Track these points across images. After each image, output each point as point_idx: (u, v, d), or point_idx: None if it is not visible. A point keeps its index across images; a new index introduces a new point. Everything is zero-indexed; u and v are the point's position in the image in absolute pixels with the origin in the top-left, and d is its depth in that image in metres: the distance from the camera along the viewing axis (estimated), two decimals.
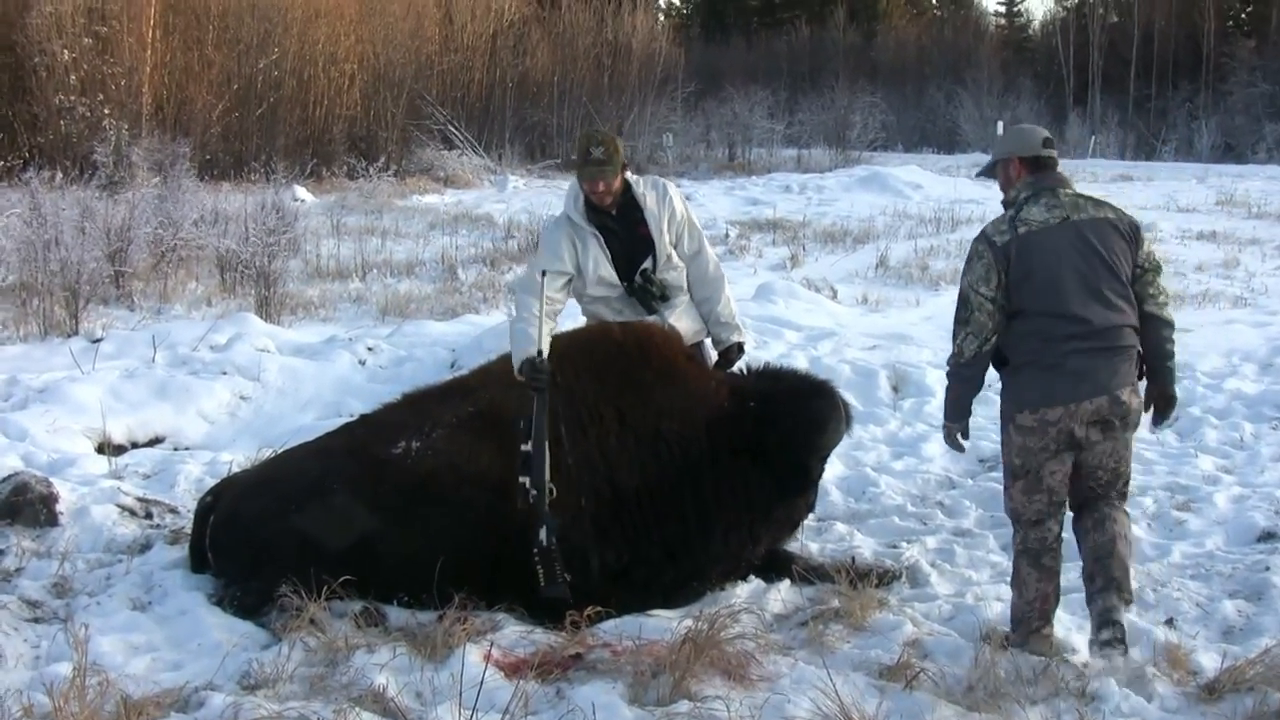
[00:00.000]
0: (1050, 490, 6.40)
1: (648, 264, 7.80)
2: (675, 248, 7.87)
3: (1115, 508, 6.55)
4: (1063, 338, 6.27)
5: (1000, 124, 47.66)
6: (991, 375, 6.70)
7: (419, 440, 7.03)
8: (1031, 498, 6.42)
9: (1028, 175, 6.58)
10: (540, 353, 6.96)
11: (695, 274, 7.98)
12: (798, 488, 7.23)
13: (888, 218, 26.53)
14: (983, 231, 6.53)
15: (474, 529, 6.72)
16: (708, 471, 7.02)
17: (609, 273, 7.75)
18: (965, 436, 6.95)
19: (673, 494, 6.97)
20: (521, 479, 6.51)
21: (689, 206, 8.07)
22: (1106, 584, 6.36)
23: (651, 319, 7.73)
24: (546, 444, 6.59)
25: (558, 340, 7.33)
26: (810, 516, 7.79)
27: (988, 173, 6.86)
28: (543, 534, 6.50)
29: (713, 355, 8.12)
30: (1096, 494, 6.52)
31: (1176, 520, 8.61)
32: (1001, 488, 6.82)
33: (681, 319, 7.91)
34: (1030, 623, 6.40)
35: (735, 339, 8.07)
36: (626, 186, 7.79)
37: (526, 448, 6.54)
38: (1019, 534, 6.50)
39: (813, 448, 7.14)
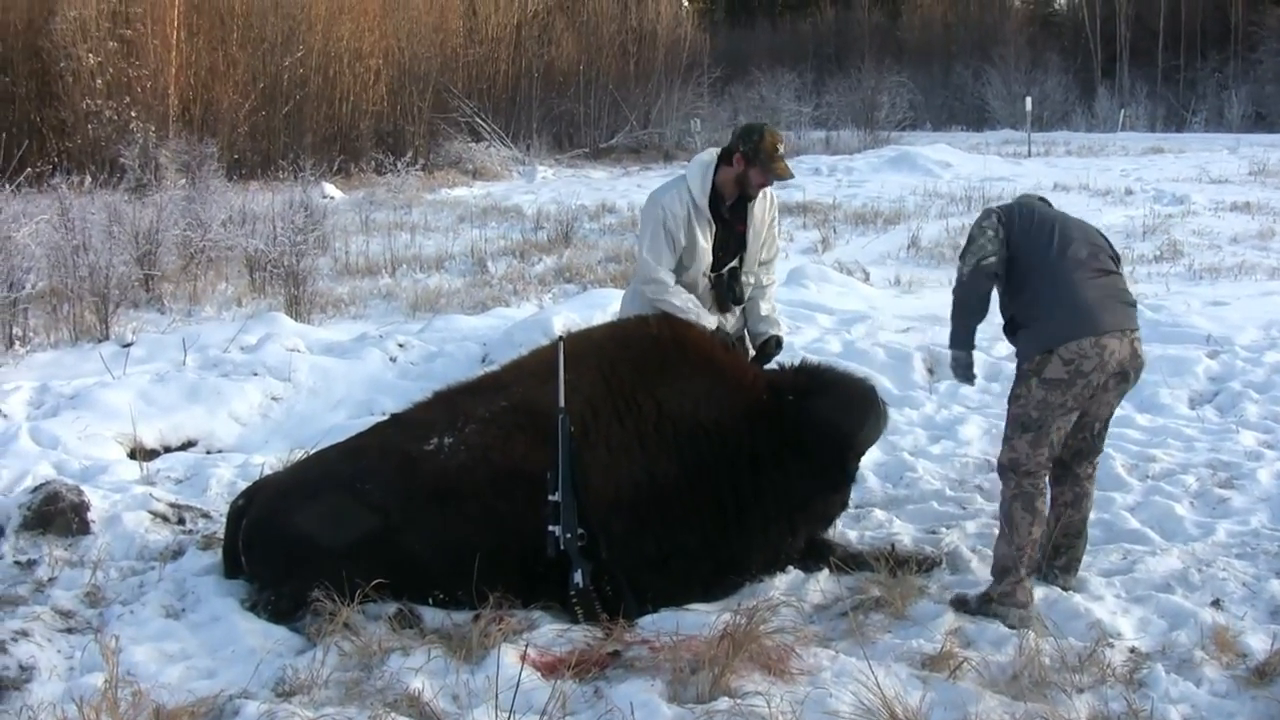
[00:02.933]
0: (1052, 445, 6.69)
1: (736, 262, 7.97)
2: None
3: (1092, 481, 7.11)
4: (1072, 271, 6.66)
5: (1029, 100, 47.38)
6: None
7: (451, 436, 6.97)
8: (1037, 450, 6.64)
9: None
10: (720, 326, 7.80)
11: (759, 279, 8.19)
12: (834, 483, 7.22)
13: (918, 198, 26.41)
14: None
15: (509, 522, 6.67)
16: (746, 463, 7.02)
17: (707, 261, 7.88)
18: (971, 368, 7.22)
19: (711, 484, 6.96)
20: (551, 527, 6.46)
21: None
22: (1069, 565, 7.06)
23: (713, 319, 7.89)
24: (573, 491, 6.54)
25: (595, 332, 7.39)
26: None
27: None
28: (577, 576, 6.46)
29: (749, 349, 8.21)
30: (1080, 450, 6.97)
31: (1219, 498, 8.49)
32: None
33: (739, 321, 8.25)
34: (1016, 570, 6.57)
35: (773, 332, 8.17)
36: None
37: (555, 498, 6.49)
38: (1012, 482, 6.70)
39: (849, 444, 7.11)
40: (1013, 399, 6.75)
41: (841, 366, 8.19)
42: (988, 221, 6.80)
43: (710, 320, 7.82)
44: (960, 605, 6.65)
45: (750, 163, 7.71)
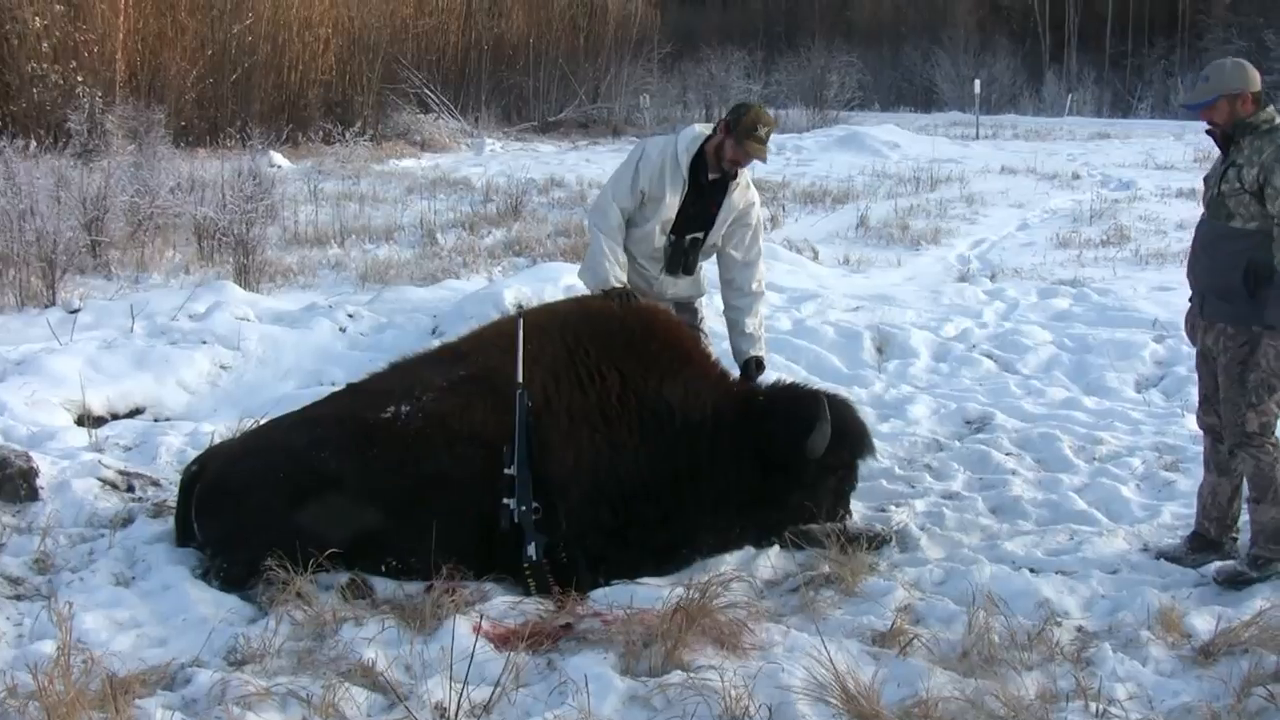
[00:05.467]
0: None
1: (700, 235, 8.19)
2: (725, 244, 8.31)
3: None
4: None
5: (977, 82, 47.53)
6: None
7: (409, 404, 6.96)
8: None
9: (1253, 107, 6.77)
10: (620, 281, 7.94)
11: (739, 283, 8.36)
12: (785, 488, 7.25)
13: (866, 177, 26.52)
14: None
15: (466, 491, 6.66)
16: (706, 445, 7.10)
17: (671, 219, 8.13)
18: None
19: (670, 459, 7.02)
20: (506, 500, 6.47)
21: (763, 223, 8.54)
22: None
23: (664, 279, 8.31)
24: (529, 466, 6.55)
25: (559, 305, 7.48)
26: None
27: (1199, 105, 6.91)
28: (531, 549, 6.48)
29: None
30: None
31: (1165, 481, 8.64)
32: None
33: (689, 287, 8.58)
34: None
35: (755, 352, 8.38)
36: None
37: (510, 471, 6.50)
38: (1261, 448, 6.80)
39: (796, 451, 7.08)
40: (1251, 364, 6.75)
41: (823, 388, 8.25)
42: None
43: (615, 275, 8.00)
44: (1234, 579, 6.74)
45: (729, 133, 7.90)
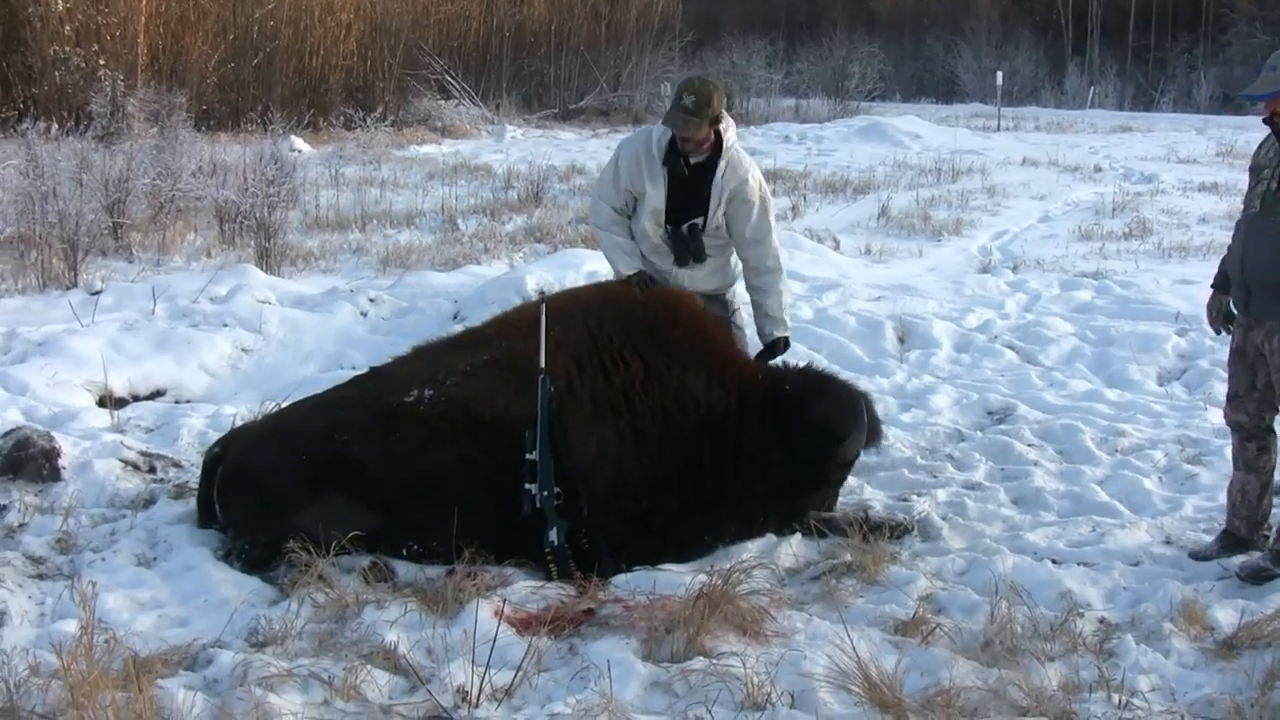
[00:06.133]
0: None
1: (698, 221, 8.03)
2: (730, 225, 8.11)
3: None
4: None
5: (1000, 74, 47.41)
6: None
7: (432, 389, 6.97)
8: None
9: None
10: (634, 268, 7.98)
11: (754, 261, 8.24)
12: (809, 482, 7.29)
13: (888, 168, 26.45)
14: None
15: (488, 476, 6.67)
16: (731, 434, 7.10)
17: (660, 209, 8.01)
18: None
19: (693, 448, 7.01)
20: (528, 485, 6.49)
21: (768, 197, 8.24)
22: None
23: (679, 272, 8.14)
24: (551, 452, 6.56)
25: (583, 291, 7.44)
26: None
27: (1266, 96, 6.77)
28: (552, 534, 6.50)
29: (746, 319, 8.48)
30: None
31: (1188, 474, 8.59)
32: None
33: (708, 279, 8.33)
34: None
35: (780, 333, 8.31)
36: (719, 144, 7.95)
37: (532, 456, 6.51)
38: None
39: (832, 449, 7.18)
40: None
41: (842, 376, 8.22)
42: None
43: (626, 264, 8.05)
44: (1258, 575, 6.71)
45: (668, 113, 7.89)
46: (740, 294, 8.74)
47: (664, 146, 7.93)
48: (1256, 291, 6.79)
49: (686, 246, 8.06)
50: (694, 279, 8.21)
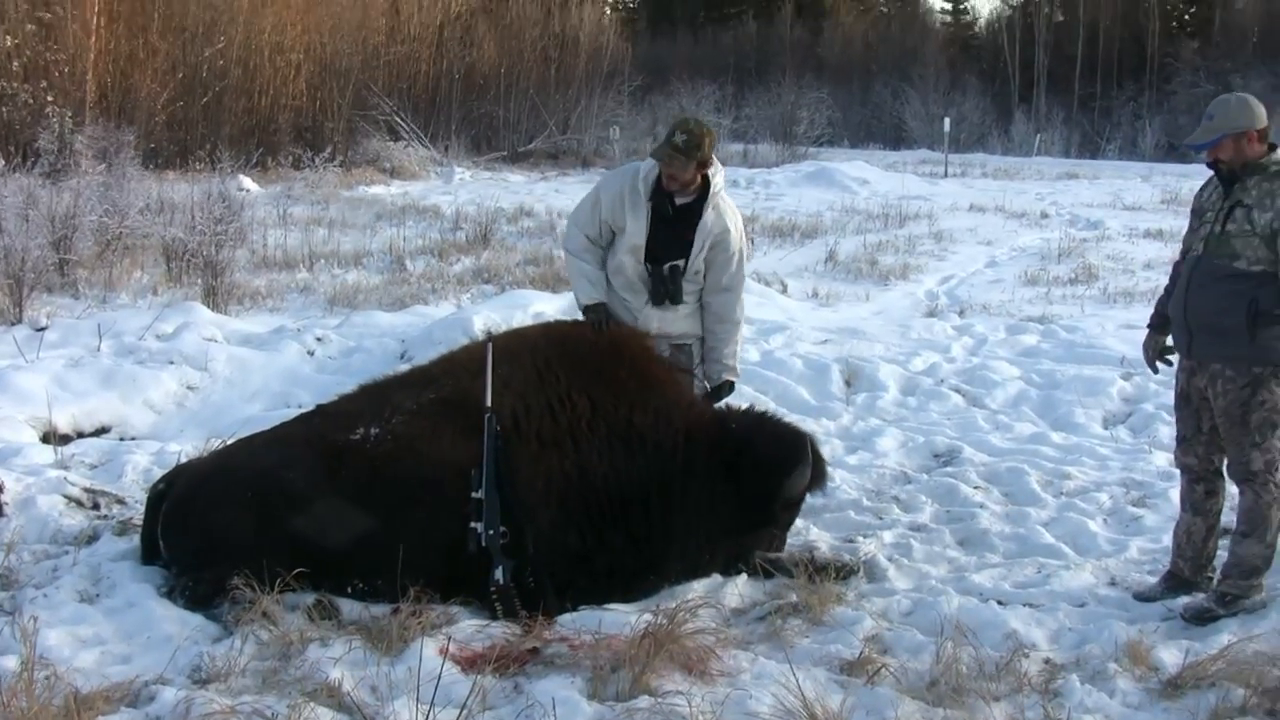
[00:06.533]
0: None
1: (679, 263, 8.02)
2: (706, 270, 8.14)
3: None
4: None
5: (947, 121, 47.79)
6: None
7: (379, 427, 6.95)
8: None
9: (1260, 144, 6.75)
10: (594, 299, 8.03)
11: (718, 309, 8.26)
12: (756, 520, 7.30)
13: (835, 213, 26.56)
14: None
15: (434, 515, 6.64)
16: (677, 472, 7.09)
17: (640, 246, 8.00)
18: None
19: (639, 487, 6.99)
20: (474, 524, 6.47)
21: (746, 250, 8.45)
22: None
23: (651, 311, 8.11)
24: (497, 490, 6.55)
25: (529, 330, 7.43)
26: None
27: (1204, 145, 6.87)
28: (498, 573, 6.48)
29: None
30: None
31: (1132, 516, 8.64)
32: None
33: (679, 322, 8.26)
34: (1262, 571, 6.85)
35: (727, 377, 8.35)
36: (706, 187, 7.97)
37: (478, 494, 6.50)
38: (1265, 486, 6.79)
39: (774, 490, 7.18)
40: (1253, 405, 6.73)
41: (787, 418, 8.23)
42: None
43: (587, 293, 8.09)
44: (1201, 616, 6.76)
45: (657, 149, 7.92)
46: None
47: (650, 183, 7.93)
48: (1199, 335, 6.84)
49: (665, 287, 8.02)
50: (665, 320, 8.15)
